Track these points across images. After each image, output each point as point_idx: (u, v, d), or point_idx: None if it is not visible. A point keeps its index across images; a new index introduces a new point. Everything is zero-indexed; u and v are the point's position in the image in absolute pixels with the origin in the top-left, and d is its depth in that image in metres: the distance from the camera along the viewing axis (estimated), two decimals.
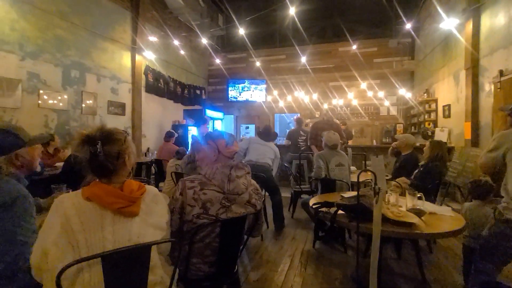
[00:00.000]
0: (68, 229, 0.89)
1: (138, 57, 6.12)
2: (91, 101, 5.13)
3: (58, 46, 4.52)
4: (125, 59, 5.94)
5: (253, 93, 8.91)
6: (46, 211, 1.67)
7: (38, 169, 1.40)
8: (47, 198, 1.78)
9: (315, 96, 8.25)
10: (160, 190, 2.69)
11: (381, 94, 7.63)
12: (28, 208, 1.16)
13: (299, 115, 8.26)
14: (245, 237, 1.50)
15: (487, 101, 4.04)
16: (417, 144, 3.75)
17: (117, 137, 1.04)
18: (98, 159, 0.98)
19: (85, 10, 4.97)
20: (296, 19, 5.98)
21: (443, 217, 1.80)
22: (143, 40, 6.16)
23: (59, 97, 4.55)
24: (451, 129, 5.26)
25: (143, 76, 6.41)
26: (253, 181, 1.46)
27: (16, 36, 3.92)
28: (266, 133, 3.67)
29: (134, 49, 6.04)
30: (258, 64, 8.01)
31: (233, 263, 1.45)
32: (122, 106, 5.87)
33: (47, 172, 3.23)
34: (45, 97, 4.32)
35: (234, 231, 1.37)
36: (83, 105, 4.98)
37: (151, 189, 1.10)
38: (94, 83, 5.21)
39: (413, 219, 1.58)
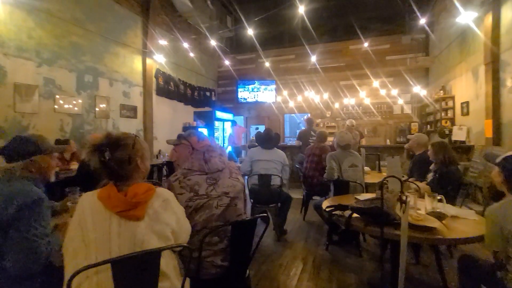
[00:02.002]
0: (84, 227, 0.92)
1: (148, 61, 6.22)
2: (104, 105, 5.24)
3: (73, 52, 4.65)
4: (136, 63, 6.05)
5: (262, 93, 8.88)
6: (60, 214, 1.70)
7: (52, 179, 1.44)
8: (62, 201, 1.82)
9: (326, 95, 8.12)
10: None
11: (394, 92, 7.42)
12: (44, 211, 1.19)
13: (309, 115, 8.17)
14: (256, 237, 1.48)
15: (509, 97, 3.84)
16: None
17: (125, 142, 1.04)
18: (108, 166, 1.00)
19: (99, 16, 5.10)
20: (305, 18, 5.91)
21: (466, 221, 1.69)
22: (154, 44, 6.25)
23: (74, 102, 4.67)
24: (470, 127, 5.03)
25: (154, 79, 6.50)
26: (230, 162, 1.57)
27: (33, 43, 4.05)
28: (267, 139, 3.24)
29: (145, 53, 6.14)
30: (267, 64, 7.97)
31: (245, 259, 1.43)
32: (134, 109, 5.97)
33: (62, 175, 3.31)
34: (61, 101, 4.45)
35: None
36: (97, 109, 5.10)
37: (162, 193, 1.06)
38: (107, 87, 5.33)
39: (434, 223, 1.50)
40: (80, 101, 4.76)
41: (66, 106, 4.54)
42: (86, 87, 4.90)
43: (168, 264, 1.01)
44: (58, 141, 3.98)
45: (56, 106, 4.37)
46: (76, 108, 4.70)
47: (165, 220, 1.02)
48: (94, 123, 5.04)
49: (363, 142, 6.04)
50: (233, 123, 7.47)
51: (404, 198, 1.22)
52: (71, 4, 4.59)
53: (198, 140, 1.58)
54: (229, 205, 1.39)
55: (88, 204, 0.96)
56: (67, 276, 0.86)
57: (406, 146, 3.54)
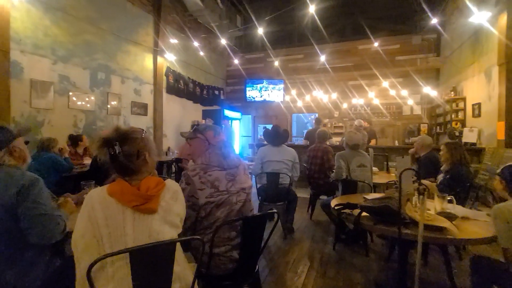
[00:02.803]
0: (94, 223, 0.93)
1: (159, 59, 6.31)
2: (115, 102, 5.35)
3: (86, 50, 4.76)
4: (147, 61, 6.15)
5: (271, 93, 8.89)
6: (77, 205, 1.77)
7: (29, 160, 1.45)
8: (77, 193, 1.89)
9: (334, 95, 8.08)
10: None
11: (404, 92, 7.33)
12: (43, 190, 1.24)
13: (317, 114, 8.14)
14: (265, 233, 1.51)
15: None
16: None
17: (134, 136, 1.05)
18: (118, 160, 1.00)
19: (112, 15, 5.20)
20: (315, 17, 5.89)
21: (477, 222, 1.69)
22: (164, 42, 6.33)
23: (87, 98, 4.79)
24: (482, 129, 4.95)
25: (164, 78, 6.59)
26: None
27: (49, 41, 4.17)
28: (275, 135, 3.19)
29: (156, 51, 6.23)
30: (276, 64, 7.97)
31: (256, 254, 1.46)
32: (145, 106, 6.07)
33: (76, 169, 3.41)
34: (74, 98, 4.57)
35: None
36: (109, 106, 5.21)
37: (171, 185, 1.10)
38: (119, 85, 5.44)
39: (445, 223, 1.50)
40: (93, 98, 4.88)
41: (79, 102, 4.66)
42: (99, 84, 5.02)
43: (178, 251, 1.06)
44: (71, 137, 4.10)
45: (70, 103, 4.49)
46: (89, 105, 4.81)
47: (176, 211, 1.07)
48: (106, 119, 5.16)
49: (373, 142, 5.97)
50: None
51: (421, 190, 1.24)
52: (85, 3, 4.70)
53: (214, 135, 1.55)
54: (246, 200, 1.43)
55: (98, 200, 0.96)
56: (83, 270, 0.86)
57: (411, 151, 3.51)
